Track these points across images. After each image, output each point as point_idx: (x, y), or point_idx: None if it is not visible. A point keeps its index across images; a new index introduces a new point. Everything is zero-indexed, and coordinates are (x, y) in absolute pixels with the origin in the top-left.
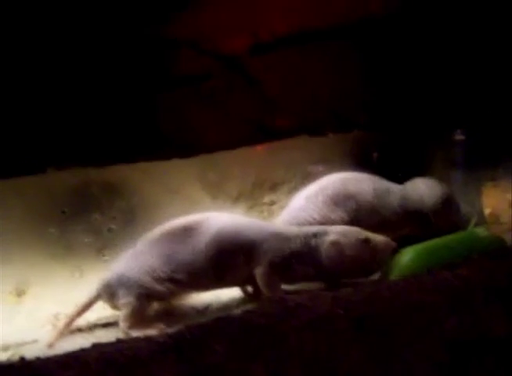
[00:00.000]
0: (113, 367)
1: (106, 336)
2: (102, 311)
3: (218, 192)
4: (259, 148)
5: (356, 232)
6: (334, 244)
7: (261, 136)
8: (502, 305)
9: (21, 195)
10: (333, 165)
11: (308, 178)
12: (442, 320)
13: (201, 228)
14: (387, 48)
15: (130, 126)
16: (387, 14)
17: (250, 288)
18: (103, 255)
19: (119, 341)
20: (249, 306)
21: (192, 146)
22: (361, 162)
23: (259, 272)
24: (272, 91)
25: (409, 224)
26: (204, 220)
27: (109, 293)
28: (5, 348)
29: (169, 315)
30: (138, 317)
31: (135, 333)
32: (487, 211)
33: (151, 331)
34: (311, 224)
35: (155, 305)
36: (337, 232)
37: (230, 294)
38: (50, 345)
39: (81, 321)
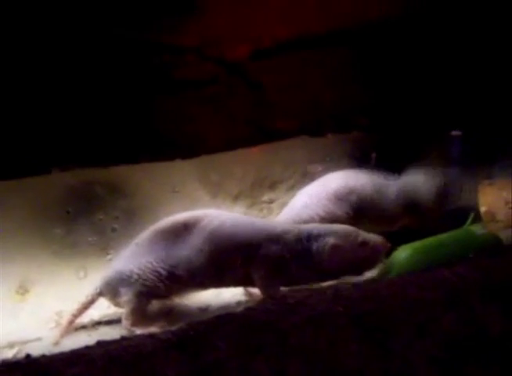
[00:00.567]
0: (118, 364)
1: (110, 333)
2: (105, 309)
3: (217, 191)
4: (258, 148)
5: (354, 234)
6: (335, 246)
7: (262, 138)
8: (499, 302)
9: (26, 195)
10: (331, 165)
11: (306, 176)
12: (440, 317)
13: (199, 226)
14: (384, 52)
15: (133, 128)
16: (386, 19)
17: (252, 289)
18: (107, 254)
19: (123, 338)
20: (250, 303)
21: (194, 147)
22: (359, 162)
23: (257, 272)
24: (273, 94)
25: (406, 215)
26: (202, 218)
27: (110, 290)
28: (10, 345)
29: (171, 313)
30: (139, 315)
31: (138, 330)
32: (483, 209)
33: (153, 329)
34: (315, 221)
35: (157, 304)
36: (336, 233)
37: (231, 292)
38: (56, 343)
39: (85, 319)
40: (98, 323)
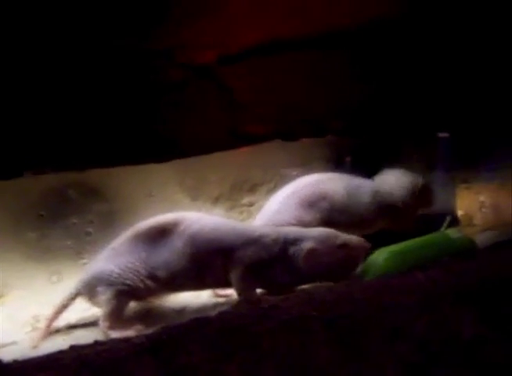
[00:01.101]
0: (90, 369)
1: (86, 337)
2: (81, 312)
3: (197, 194)
4: (236, 151)
5: (332, 236)
6: (311, 251)
7: (235, 142)
8: (471, 307)
9: (2, 198)
10: (307, 168)
11: (285, 180)
12: (413, 321)
13: (180, 228)
14: (358, 55)
15: (106, 131)
16: (360, 23)
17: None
18: (81, 258)
19: (96, 342)
20: (225, 307)
21: (168, 150)
22: (335, 166)
23: (235, 274)
24: (245, 99)
25: (382, 218)
26: (182, 220)
27: (89, 290)
28: None
29: (148, 315)
30: (117, 315)
31: (114, 333)
32: (460, 212)
33: (129, 332)
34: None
35: (134, 306)
36: (313, 238)
37: (208, 294)
38: (35, 346)
39: (62, 322)
40: (74, 327)
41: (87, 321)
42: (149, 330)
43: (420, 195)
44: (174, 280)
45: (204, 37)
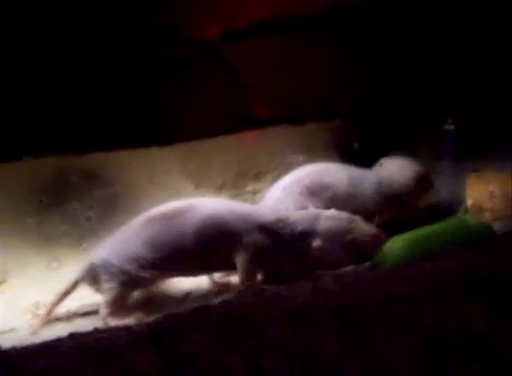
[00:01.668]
0: (90, 356)
1: (86, 325)
2: (82, 300)
3: (200, 181)
4: (240, 135)
5: (342, 232)
6: (318, 249)
7: (239, 126)
8: (482, 297)
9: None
10: (313, 155)
11: (290, 167)
12: (420, 312)
13: (189, 213)
14: (367, 37)
15: (108, 114)
16: (366, 2)
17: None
18: (82, 244)
19: (96, 330)
20: (228, 296)
21: (170, 134)
22: (342, 152)
23: (240, 259)
24: (249, 78)
25: (385, 208)
26: (192, 205)
27: (92, 276)
28: None
29: (148, 303)
30: (119, 304)
31: (114, 321)
32: (470, 201)
33: (129, 320)
34: None
35: (135, 294)
36: (321, 234)
37: (210, 283)
38: (35, 332)
39: (62, 310)
40: (74, 315)
41: (86, 309)
42: (150, 319)
43: (421, 183)
44: (182, 266)
45: (209, 12)
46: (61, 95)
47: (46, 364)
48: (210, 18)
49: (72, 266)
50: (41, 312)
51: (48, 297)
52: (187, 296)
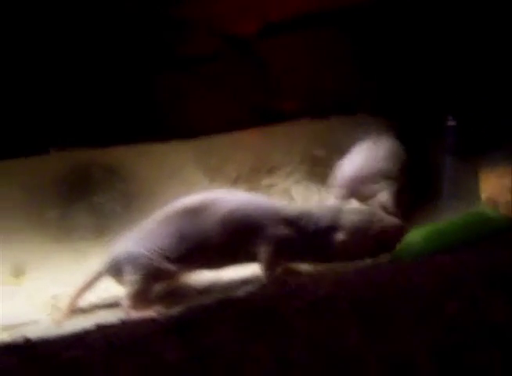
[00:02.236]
0: (116, 348)
1: (107, 317)
2: (102, 292)
3: (216, 175)
4: (259, 130)
5: (366, 225)
6: (342, 243)
7: (264, 119)
8: (503, 291)
9: (23, 176)
10: (334, 148)
11: (305, 163)
12: (442, 304)
13: (213, 206)
14: (393, 34)
15: (130, 109)
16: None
17: None
18: (103, 237)
19: (122, 322)
20: (250, 287)
21: (193, 128)
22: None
23: (263, 250)
24: (276, 73)
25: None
26: (216, 198)
27: (116, 269)
28: (6, 328)
29: (168, 296)
30: (142, 296)
31: (136, 313)
32: (484, 195)
33: (149, 313)
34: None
35: (156, 286)
36: (345, 228)
37: (231, 275)
38: (59, 323)
39: (83, 302)
40: (95, 307)
41: (106, 301)
42: (171, 311)
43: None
44: (206, 259)
45: (247, 5)
46: (86, 92)
47: (74, 355)
48: (249, 13)
49: (93, 259)
50: (62, 304)
51: (68, 290)
52: (208, 289)
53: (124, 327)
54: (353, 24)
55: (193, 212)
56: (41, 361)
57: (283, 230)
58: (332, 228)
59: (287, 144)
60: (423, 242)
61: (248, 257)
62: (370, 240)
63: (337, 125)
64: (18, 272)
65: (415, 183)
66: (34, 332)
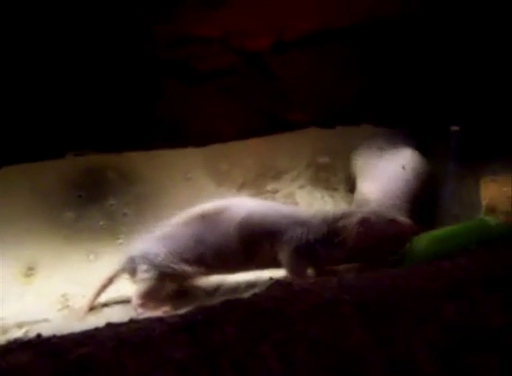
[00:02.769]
0: (127, 346)
1: (117, 316)
2: (112, 292)
3: (223, 180)
4: (267, 139)
5: (383, 211)
6: (364, 220)
7: (273, 128)
8: (500, 295)
9: (38, 179)
10: (338, 156)
11: (311, 168)
12: (441, 307)
13: (228, 213)
14: (398, 48)
15: (148, 115)
16: (405, 15)
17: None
18: (117, 239)
19: (132, 320)
20: (256, 290)
21: (206, 135)
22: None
23: (284, 257)
24: (288, 86)
25: None
26: (231, 206)
27: (131, 266)
28: (19, 325)
29: (179, 296)
30: (153, 296)
31: (144, 312)
32: (484, 203)
33: (157, 313)
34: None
35: (166, 287)
36: (364, 211)
37: (238, 277)
38: (80, 318)
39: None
40: (104, 305)
41: (117, 301)
42: (179, 311)
43: None
44: (224, 264)
45: (261, 23)
46: (103, 98)
47: (87, 352)
48: (262, 30)
49: (105, 260)
50: (78, 303)
51: (79, 289)
52: (216, 290)
53: (134, 325)
54: (361, 41)
55: (211, 217)
56: (54, 357)
57: (300, 234)
58: (350, 214)
59: (293, 151)
60: (424, 248)
61: (268, 263)
62: (387, 224)
63: (342, 134)
64: (31, 272)
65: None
66: (48, 329)
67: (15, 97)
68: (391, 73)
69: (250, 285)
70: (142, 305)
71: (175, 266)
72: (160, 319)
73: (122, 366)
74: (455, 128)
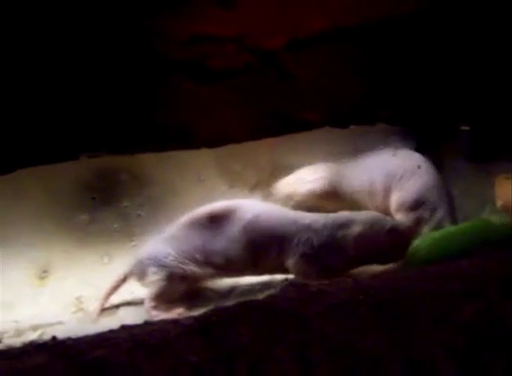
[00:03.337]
0: (142, 348)
1: (130, 318)
2: (125, 295)
3: (236, 180)
4: (280, 139)
5: (381, 221)
6: (360, 235)
7: (288, 128)
8: None
9: (52, 181)
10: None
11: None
12: (458, 308)
13: (236, 215)
14: (410, 46)
15: (161, 116)
16: (417, 13)
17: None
18: (131, 241)
19: (147, 323)
20: (271, 291)
21: (220, 136)
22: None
23: (292, 263)
24: (302, 85)
25: None
26: (239, 207)
27: (141, 270)
28: (34, 328)
29: (192, 298)
30: (165, 298)
31: (157, 314)
32: (499, 202)
33: (171, 315)
34: None
35: (179, 289)
36: (362, 222)
37: (252, 279)
38: (94, 320)
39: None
40: (117, 307)
41: (130, 303)
42: (194, 313)
43: None
44: (230, 266)
45: (275, 22)
46: (116, 101)
47: (102, 354)
48: (277, 29)
49: (118, 262)
50: (91, 306)
51: (92, 291)
52: (230, 292)
53: (148, 327)
54: (374, 39)
55: (218, 218)
56: (69, 360)
57: (304, 239)
58: (349, 223)
59: (307, 151)
60: (430, 248)
61: (276, 268)
62: (386, 234)
63: (356, 134)
64: (45, 274)
65: None
66: (62, 332)
67: (28, 100)
68: (405, 71)
69: (266, 286)
70: (155, 308)
71: (184, 267)
72: (175, 322)
73: (137, 368)
74: (466, 127)
